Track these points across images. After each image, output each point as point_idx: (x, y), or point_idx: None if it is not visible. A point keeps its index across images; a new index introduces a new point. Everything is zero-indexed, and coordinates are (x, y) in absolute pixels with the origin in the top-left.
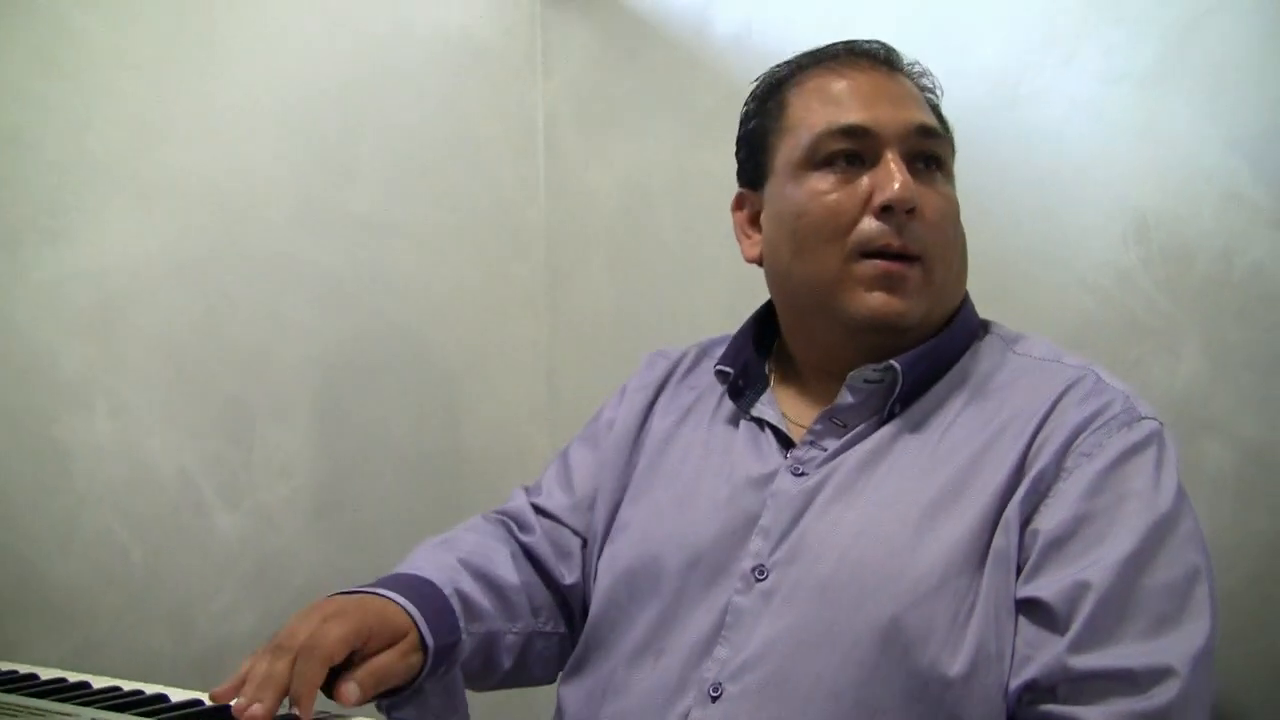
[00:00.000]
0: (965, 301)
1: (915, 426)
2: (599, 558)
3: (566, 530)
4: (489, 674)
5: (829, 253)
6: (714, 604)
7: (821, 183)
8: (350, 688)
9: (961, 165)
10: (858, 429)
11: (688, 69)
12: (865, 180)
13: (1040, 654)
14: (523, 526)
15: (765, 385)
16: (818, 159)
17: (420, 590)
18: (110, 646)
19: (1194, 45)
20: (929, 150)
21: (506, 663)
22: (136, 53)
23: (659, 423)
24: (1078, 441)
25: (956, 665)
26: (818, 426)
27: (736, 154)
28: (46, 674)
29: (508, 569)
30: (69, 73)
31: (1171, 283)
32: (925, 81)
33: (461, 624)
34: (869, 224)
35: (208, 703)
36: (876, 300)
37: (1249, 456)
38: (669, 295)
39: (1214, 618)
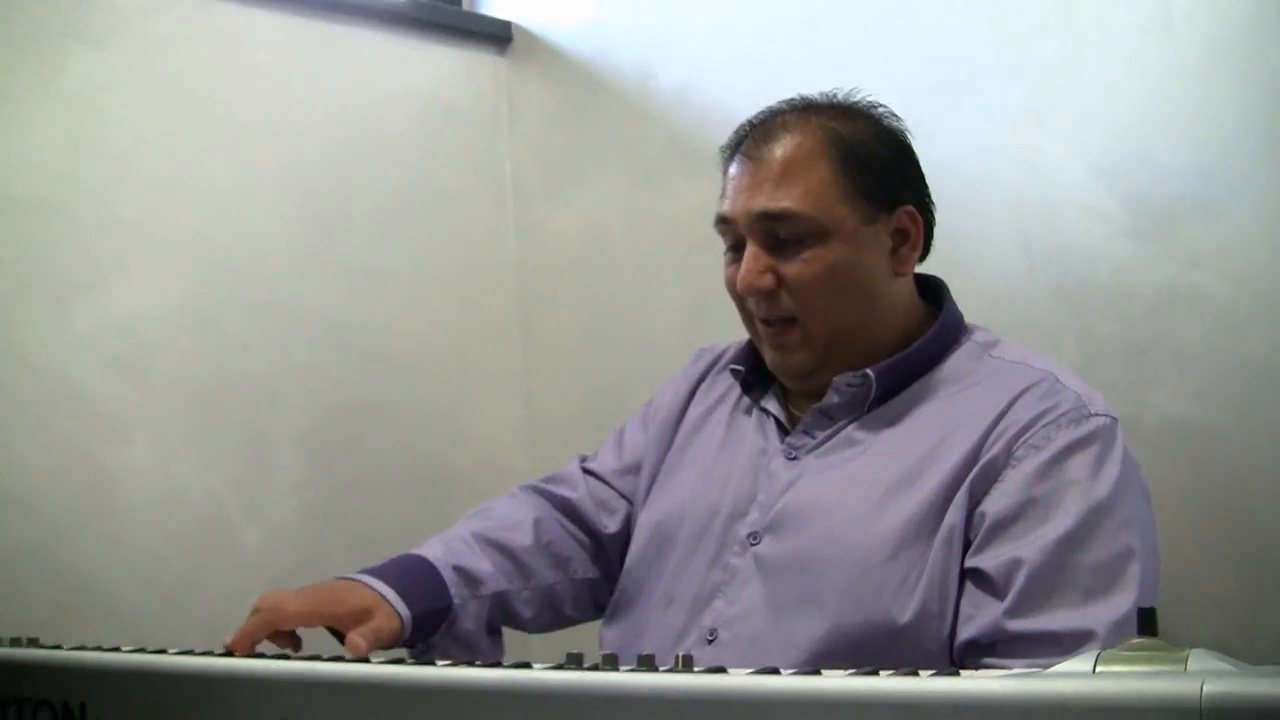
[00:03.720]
0: (945, 316)
1: (889, 421)
2: (640, 517)
3: (612, 490)
4: (517, 624)
5: (743, 315)
6: (717, 563)
7: (725, 263)
8: (357, 640)
9: None
10: (840, 422)
11: (636, 120)
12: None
13: (980, 616)
14: (570, 485)
15: (773, 382)
16: (723, 242)
17: (405, 568)
18: (155, 647)
19: (1059, 89)
20: (777, 232)
21: (527, 613)
22: (155, 129)
23: (695, 410)
24: (1028, 434)
25: (904, 618)
26: (808, 419)
27: None
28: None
29: (524, 535)
30: (96, 148)
31: (1050, 288)
32: (815, 142)
33: (453, 591)
34: (749, 298)
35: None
36: (771, 356)
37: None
38: (630, 322)
39: (1141, 593)
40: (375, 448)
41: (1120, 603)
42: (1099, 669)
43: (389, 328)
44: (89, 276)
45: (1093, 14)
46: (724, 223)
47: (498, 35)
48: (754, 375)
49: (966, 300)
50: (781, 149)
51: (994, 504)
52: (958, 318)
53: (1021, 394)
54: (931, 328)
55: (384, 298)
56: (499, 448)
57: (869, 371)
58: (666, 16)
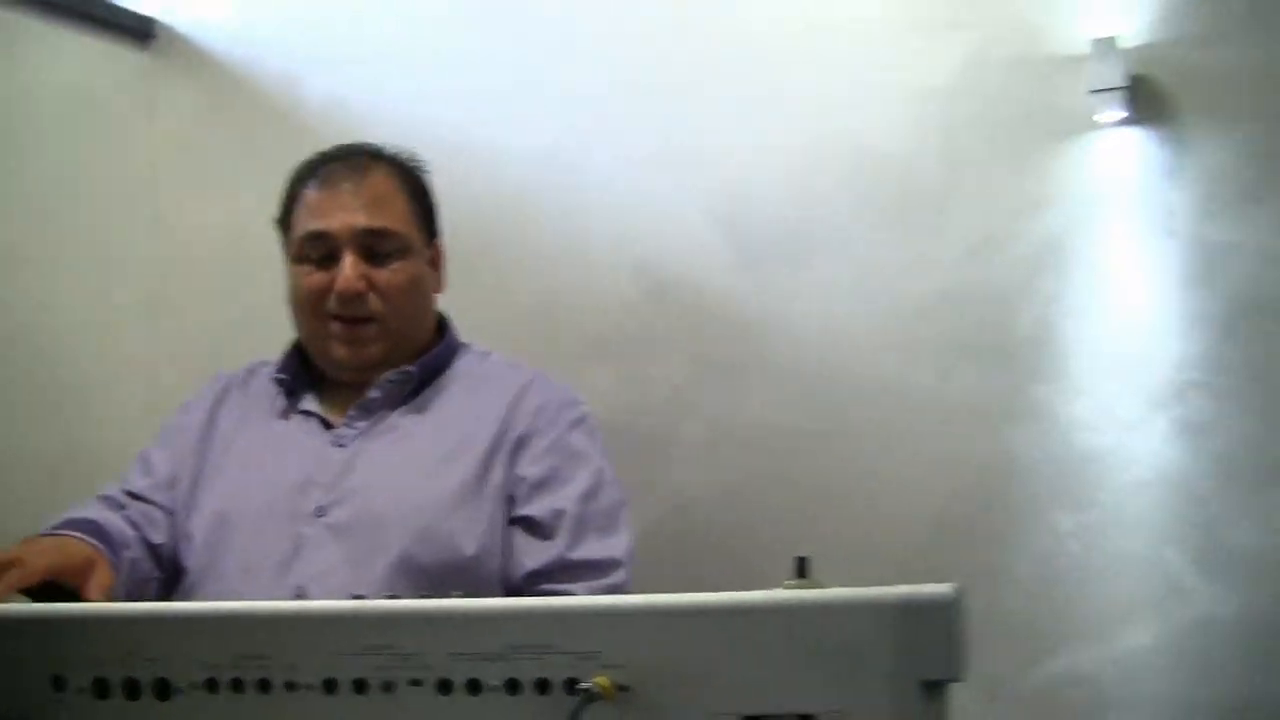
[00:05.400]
0: (449, 329)
1: (420, 409)
2: (191, 519)
3: (151, 505)
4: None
5: (311, 321)
6: (287, 535)
7: (304, 272)
8: (97, 593)
9: (513, 222)
10: (380, 413)
11: (281, 124)
12: (334, 269)
13: (537, 551)
14: (119, 506)
15: (311, 388)
16: (300, 256)
17: (86, 528)
18: None
19: (683, 141)
20: (373, 246)
21: (137, 593)
22: None
23: (224, 423)
24: (541, 414)
25: (470, 550)
26: (353, 413)
27: None
28: None
29: (124, 526)
30: None
31: (663, 309)
32: (394, 181)
33: (118, 553)
34: (333, 300)
35: None
36: (342, 351)
37: (715, 430)
38: (260, 319)
39: (631, 532)
40: (9, 426)
41: (624, 538)
42: None
43: (29, 309)
44: None
45: (717, 80)
46: (319, 238)
47: (139, 29)
48: (294, 382)
49: (587, 316)
50: (372, 181)
51: (528, 468)
52: (457, 334)
53: (527, 386)
54: (444, 339)
55: (27, 280)
56: (123, 431)
57: (411, 369)
58: (315, 24)
